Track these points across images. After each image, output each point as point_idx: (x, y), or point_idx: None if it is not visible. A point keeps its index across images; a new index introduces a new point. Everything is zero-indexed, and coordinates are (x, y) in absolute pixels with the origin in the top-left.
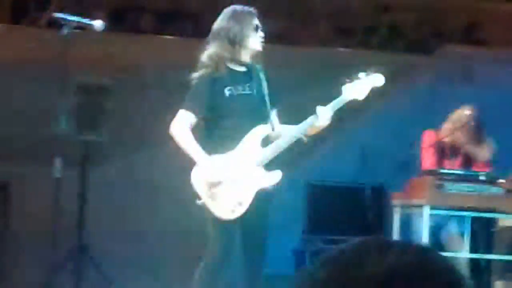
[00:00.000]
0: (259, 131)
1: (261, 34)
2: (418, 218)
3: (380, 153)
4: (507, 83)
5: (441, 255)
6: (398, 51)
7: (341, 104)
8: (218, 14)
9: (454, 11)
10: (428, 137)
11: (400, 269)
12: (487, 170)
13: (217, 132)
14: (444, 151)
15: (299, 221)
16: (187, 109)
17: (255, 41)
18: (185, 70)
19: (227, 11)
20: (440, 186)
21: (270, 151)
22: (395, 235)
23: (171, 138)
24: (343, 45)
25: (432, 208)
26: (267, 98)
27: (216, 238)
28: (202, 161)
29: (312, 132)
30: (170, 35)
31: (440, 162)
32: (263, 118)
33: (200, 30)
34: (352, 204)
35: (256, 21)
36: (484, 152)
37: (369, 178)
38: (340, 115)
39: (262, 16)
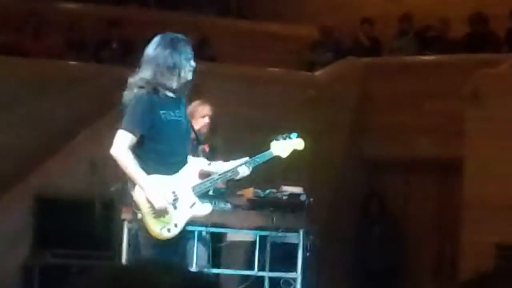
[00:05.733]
0: (198, 163)
1: (193, 64)
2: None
3: (110, 167)
4: (236, 97)
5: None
6: (130, 66)
7: (267, 158)
8: None
9: (185, 26)
10: None
11: None
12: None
13: (149, 155)
14: None
15: (28, 236)
16: (127, 129)
17: (188, 71)
18: None
19: (164, 38)
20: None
21: (207, 184)
22: (125, 249)
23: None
24: (75, 58)
25: None
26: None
27: (147, 255)
28: (148, 188)
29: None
30: None
31: None
32: (190, 146)
33: None
34: (82, 218)
35: (191, 51)
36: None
37: (99, 191)
38: (68, 127)
39: None
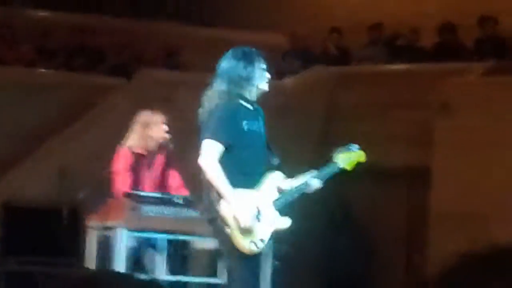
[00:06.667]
0: (277, 176)
1: (268, 75)
2: (116, 240)
3: (78, 174)
4: None
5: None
6: (100, 74)
7: (335, 171)
8: None
9: (154, 35)
10: (123, 156)
11: None
12: (183, 191)
13: (233, 166)
14: (140, 166)
15: None
16: (215, 138)
17: (263, 81)
18: None
19: (236, 50)
20: (136, 208)
21: (287, 197)
22: (91, 257)
23: None
24: (46, 66)
25: (129, 230)
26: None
27: (240, 271)
28: (236, 204)
29: None
30: None
31: (136, 179)
32: (268, 158)
33: None
34: (49, 225)
35: (263, 62)
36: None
37: (67, 199)
38: (37, 134)
39: None
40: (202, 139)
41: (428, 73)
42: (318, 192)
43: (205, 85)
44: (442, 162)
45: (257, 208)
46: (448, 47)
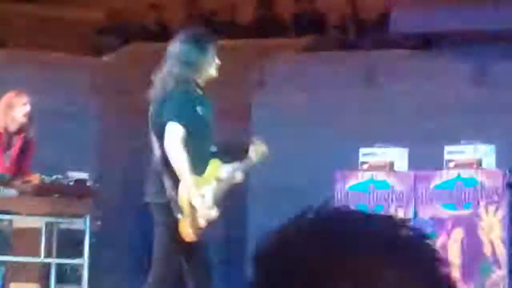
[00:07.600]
0: (217, 166)
1: (217, 61)
2: None
3: None
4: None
5: None
6: None
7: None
8: None
9: None
10: None
11: None
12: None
13: (188, 152)
14: None
15: None
16: (179, 121)
17: (213, 67)
18: None
19: (188, 34)
20: None
21: (221, 187)
22: None
23: None
24: None
25: None
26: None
27: (173, 256)
28: (195, 193)
29: None
30: None
31: None
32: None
33: None
34: None
35: (214, 48)
36: None
37: None
38: None
39: None
40: (164, 121)
41: (246, 49)
42: (139, 165)
43: (25, 62)
44: (260, 138)
45: (203, 196)
46: (266, 23)
